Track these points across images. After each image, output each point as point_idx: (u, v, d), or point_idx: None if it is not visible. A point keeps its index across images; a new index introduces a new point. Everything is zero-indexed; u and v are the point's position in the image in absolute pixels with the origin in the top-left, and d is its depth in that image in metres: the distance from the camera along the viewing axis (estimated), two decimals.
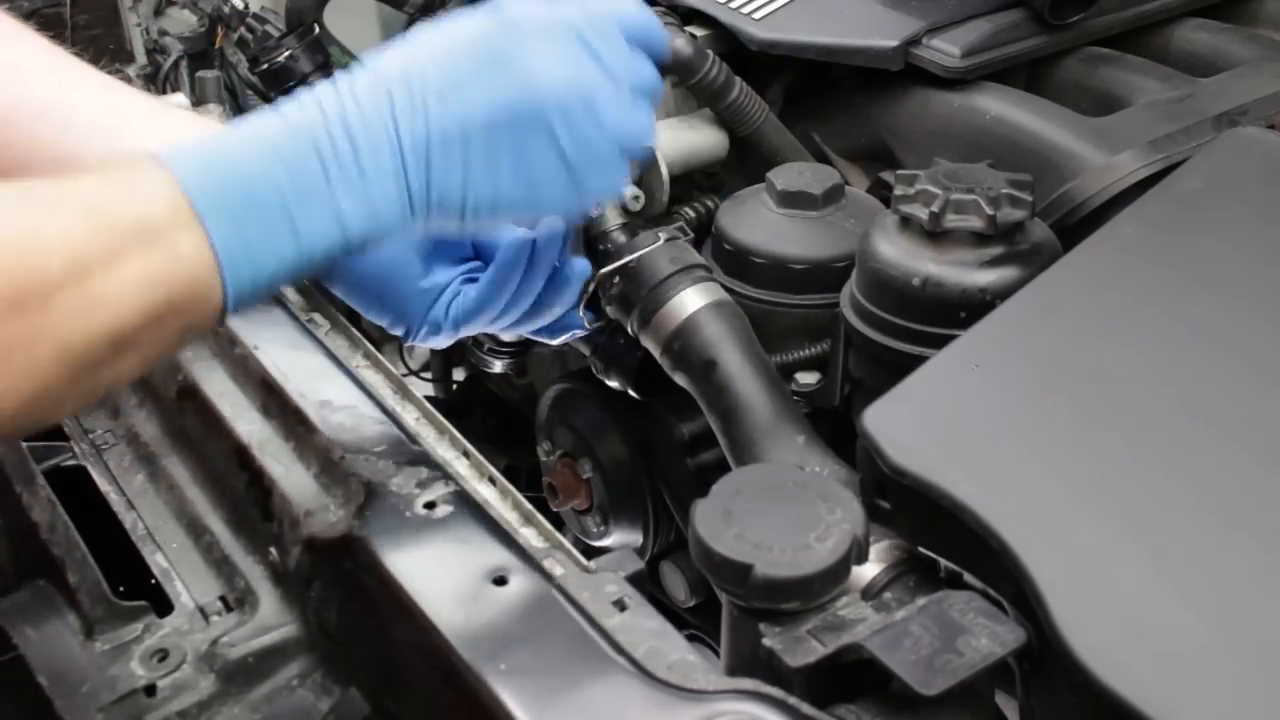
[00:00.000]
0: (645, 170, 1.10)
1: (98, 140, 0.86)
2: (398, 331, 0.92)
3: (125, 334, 0.66)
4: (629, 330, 1.03)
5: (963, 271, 0.85)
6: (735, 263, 1.02)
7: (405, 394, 0.87)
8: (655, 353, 1.00)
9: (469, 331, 0.93)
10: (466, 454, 0.82)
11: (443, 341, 0.94)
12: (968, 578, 0.70)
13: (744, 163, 1.14)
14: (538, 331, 0.99)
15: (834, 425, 0.94)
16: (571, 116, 0.75)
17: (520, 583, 0.70)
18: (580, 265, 0.96)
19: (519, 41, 0.75)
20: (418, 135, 0.72)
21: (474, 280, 0.93)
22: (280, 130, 0.72)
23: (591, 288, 0.98)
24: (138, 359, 0.69)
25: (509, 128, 0.74)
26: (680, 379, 0.99)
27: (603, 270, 1.02)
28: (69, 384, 0.65)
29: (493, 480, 0.79)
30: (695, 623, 1.22)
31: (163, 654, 0.77)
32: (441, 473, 0.77)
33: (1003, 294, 0.83)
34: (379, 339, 0.93)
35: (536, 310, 0.95)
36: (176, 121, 0.89)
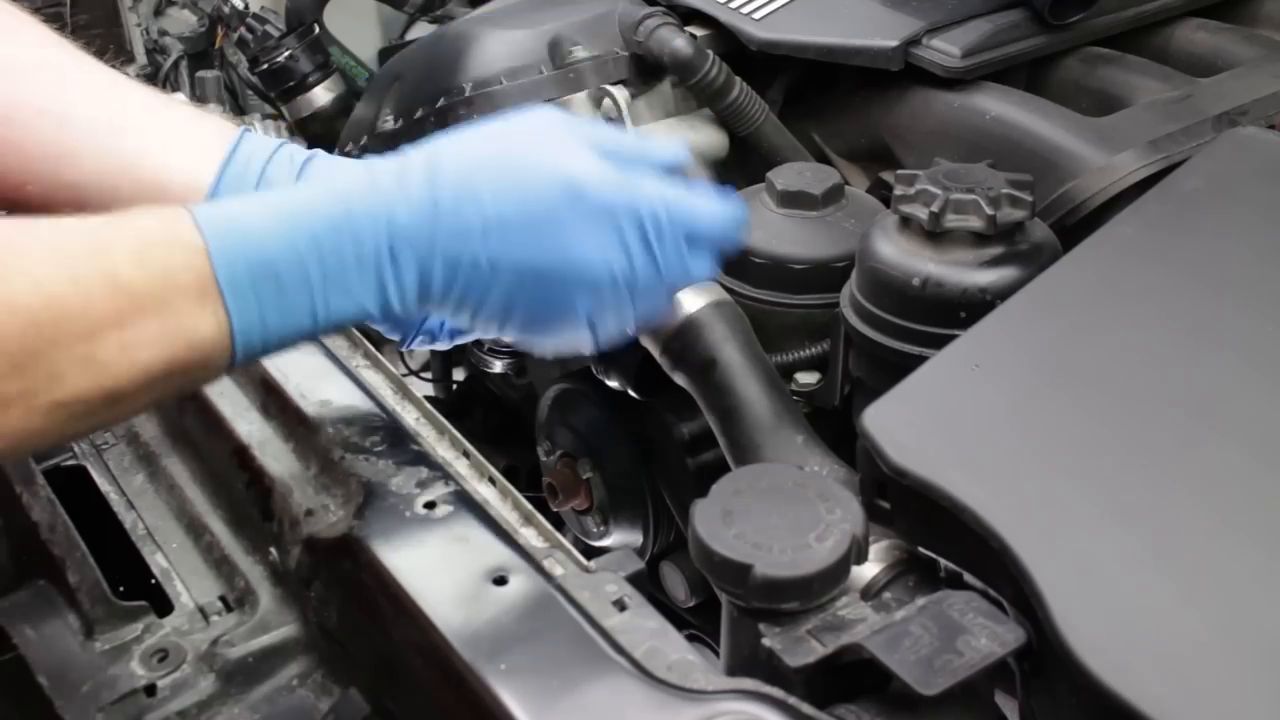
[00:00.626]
0: None
1: (98, 138, 0.86)
2: (394, 337, 0.92)
3: (123, 392, 0.67)
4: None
5: (963, 271, 0.85)
6: (735, 263, 1.02)
7: (405, 394, 0.87)
8: (655, 353, 1.00)
9: (465, 340, 0.93)
10: (466, 454, 0.82)
11: (440, 347, 0.94)
12: (968, 578, 0.70)
13: (744, 163, 1.14)
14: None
15: (834, 425, 0.94)
16: (600, 297, 0.77)
17: (520, 583, 0.70)
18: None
19: (578, 215, 0.75)
20: (450, 255, 0.73)
21: None
22: (320, 215, 0.72)
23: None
24: (132, 410, 0.72)
25: (536, 285, 0.75)
26: (680, 379, 0.99)
27: None
28: (59, 430, 0.67)
29: (493, 480, 0.79)
30: (695, 623, 1.22)
31: (163, 654, 0.77)
32: (441, 473, 0.77)
33: (1003, 294, 0.83)
34: (379, 339, 0.93)
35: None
36: (178, 119, 0.89)
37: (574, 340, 0.80)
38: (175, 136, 0.88)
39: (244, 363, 0.72)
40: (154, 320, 0.67)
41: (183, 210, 0.70)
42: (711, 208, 0.79)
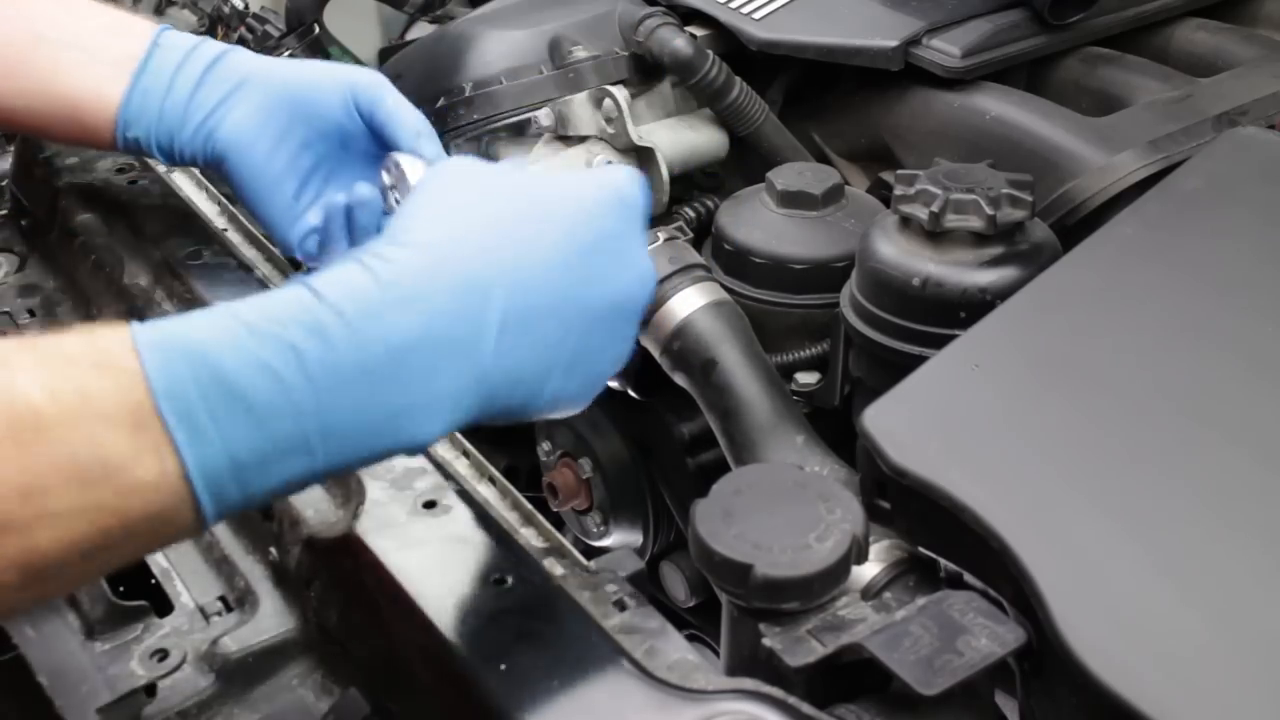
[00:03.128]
0: (645, 170, 1.10)
1: (8, 60, 0.88)
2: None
3: (52, 564, 0.53)
4: None
5: (963, 271, 0.85)
6: (735, 262, 1.02)
7: None
8: (655, 353, 1.00)
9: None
10: (466, 454, 0.82)
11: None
12: (968, 578, 0.70)
13: (744, 163, 1.14)
14: None
15: (834, 425, 0.94)
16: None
17: (520, 583, 0.70)
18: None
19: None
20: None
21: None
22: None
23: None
24: (75, 579, 0.59)
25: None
26: (680, 379, 0.99)
27: None
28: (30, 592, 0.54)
29: (493, 480, 0.79)
30: (695, 623, 1.22)
31: (163, 654, 0.77)
32: (441, 473, 0.77)
33: (1003, 294, 0.83)
34: None
35: None
36: (92, 30, 0.90)
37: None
38: (87, 51, 0.89)
39: (223, 515, 0.56)
40: (74, 477, 0.52)
41: (121, 327, 0.55)
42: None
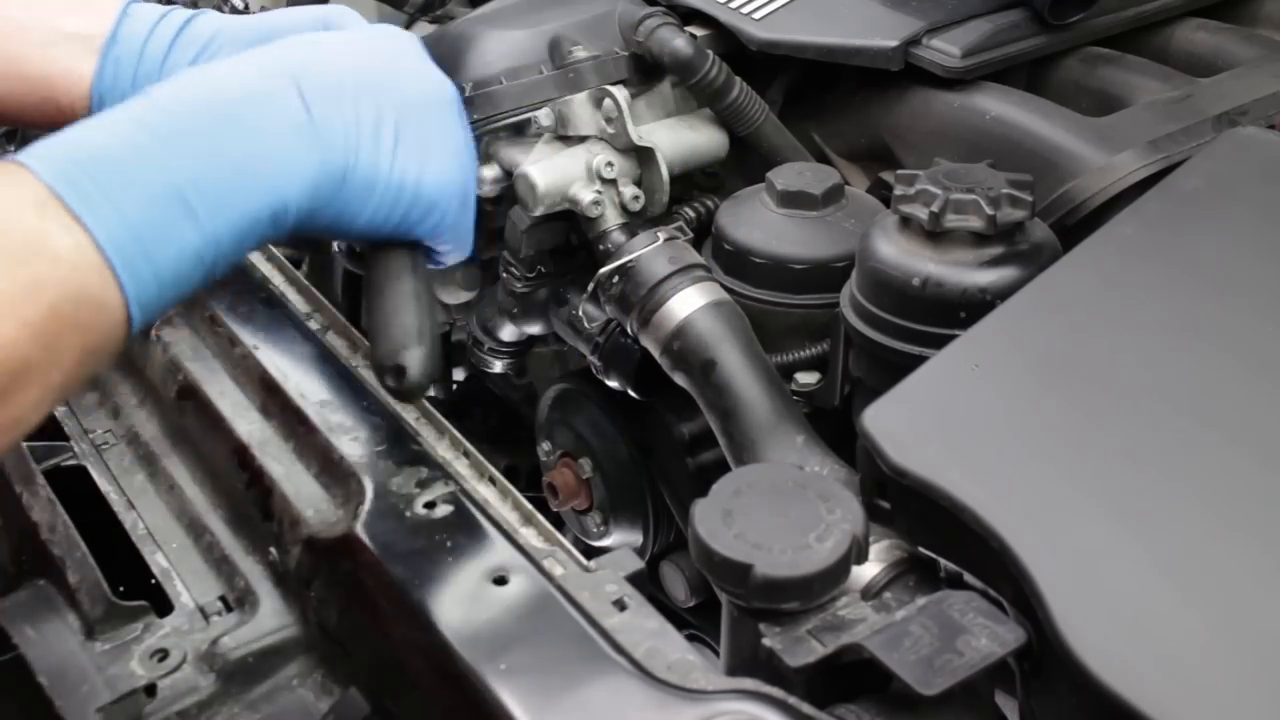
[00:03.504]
0: (646, 170, 1.10)
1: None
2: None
3: (16, 362, 0.59)
4: (628, 330, 1.03)
5: (963, 271, 0.85)
6: (735, 262, 1.02)
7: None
8: (655, 353, 1.00)
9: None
10: (466, 454, 0.82)
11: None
12: (968, 578, 0.70)
13: (744, 163, 1.14)
14: None
15: (834, 425, 0.94)
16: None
17: (520, 583, 0.70)
18: None
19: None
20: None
21: None
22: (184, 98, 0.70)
23: (591, 287, 0.98)
24: (37, 391, 0.61)
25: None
26: (680, 379, 0.99)
27: (602, 270, 1.02)
28: None
29: (493, 480, 0.79)
30: (695, 623, 1.22)
31: (163, 654, 0.77)
32: (441, 473, 0.77)
33: (1003, 294, 0.83)
34: None
35: None
36: (57, 8, 0.89)
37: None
38: (54, 30, 0.88)
39: (146, 306, 0.64)
40: (4, 264, 0.58)
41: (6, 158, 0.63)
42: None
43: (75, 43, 0.89)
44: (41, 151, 0.63)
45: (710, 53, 1.08)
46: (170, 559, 0.84)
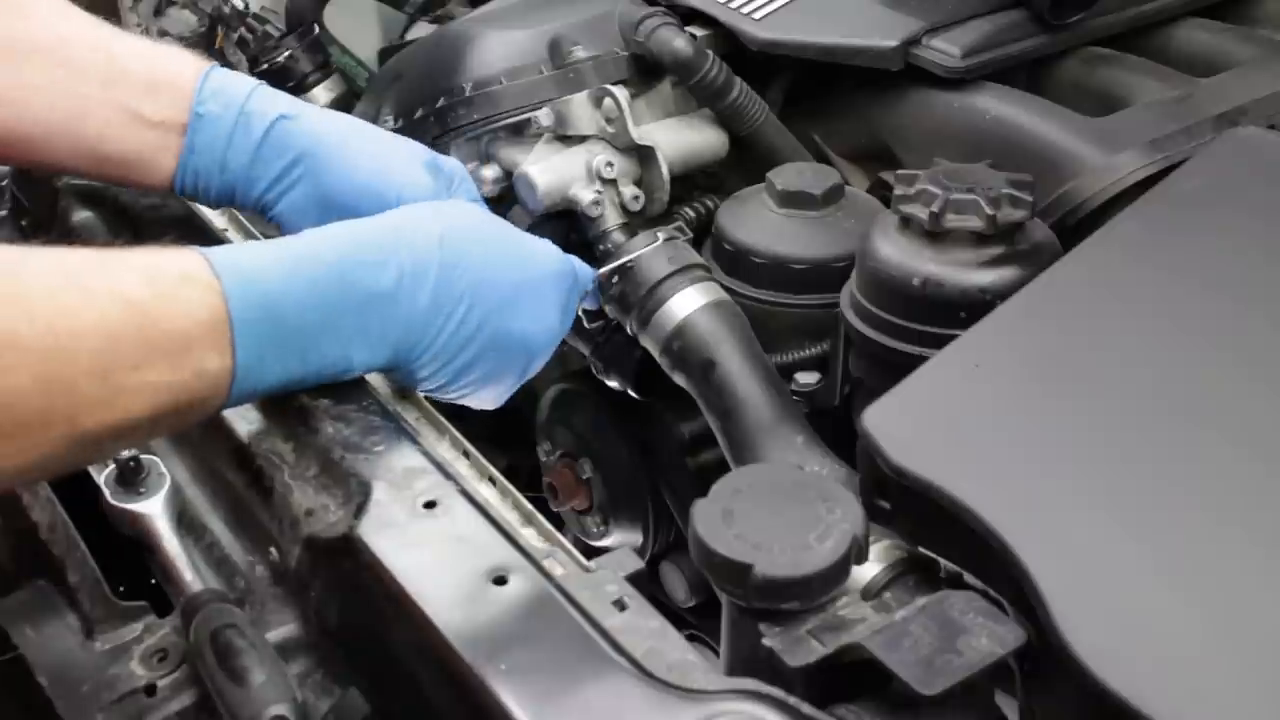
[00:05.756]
0: (645, 170, 1.10)
1: (58, 122, 0.89)
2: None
3: (132, 428, 0.69)
4: (628, 330, 1.03)
5: (963, 271, 0.85)
6: (735, 262, 1.02)
7: (405, 394, 0.87)
8: (654, 353, 1.00)
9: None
10: (466, 454, 0.82)
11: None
12: (968, 578, 0.70)
13: (744, 163, 1.14)
14: None
15: (834, 425, 0.94)
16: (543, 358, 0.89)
17: (520, 583, 0.70)
18: None
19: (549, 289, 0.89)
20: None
21: None
22: (323, 262, 0.77)
23: (591, 287, 0.98)
24: (131, 445, 0.78)
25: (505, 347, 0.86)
26: (679, 379, 0.99)
27: (601, 270, 1.02)
28: (68, 459, 0.69)
29: (493, 480, 0.79)
30: (695, 623, 1.22)
31: (163, 654, 0.77)
32: (441, 473, 0.77)
33: (1003, 294, 0.83)
34: None
35: None
36: (136, 91, 0.91)
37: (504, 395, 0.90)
38: (129, 113, 0.90)
39: (234, 404, 0.75)
40: (165, 358, 0.69)
41: (189, 249, 0.73)
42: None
43: (156, 131, 0.91)
44: (233, 271, 0.73)
45: (710, 53, 1.08)
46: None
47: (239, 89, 0.92)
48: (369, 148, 0.95)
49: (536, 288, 0.86)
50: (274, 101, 0.93)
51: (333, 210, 0.91)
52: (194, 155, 0.91)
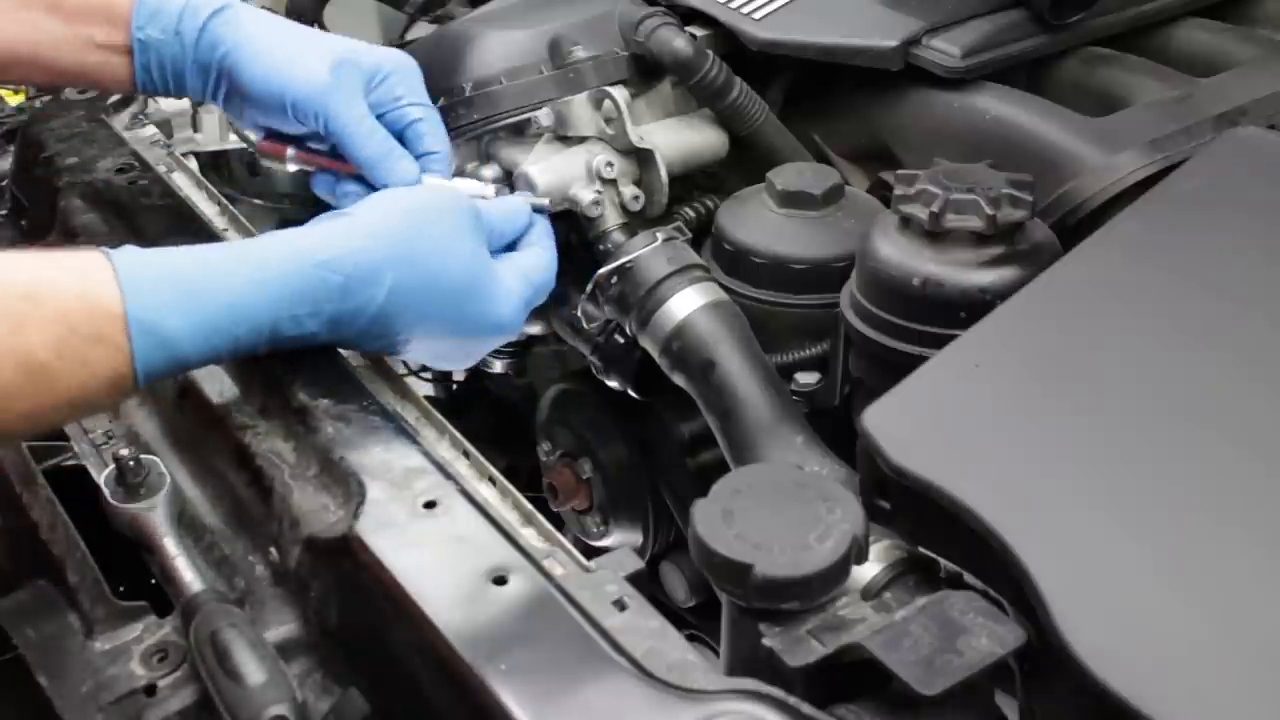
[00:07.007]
0: (645, 170, 1.10)
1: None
2: None
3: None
4: (628, 331, 1.03)
5: (963, 271, 0.85)
6: (735, 263, 1.02)
7: (405, 394, 0.87)
8: (654, 353, 1.00)
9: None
10: (466, 454, 0.82)
11: None
12: (968, 578, 0.70)
13: (744, 163, 1.14)
14: None
15: (834, 425, 0.94)
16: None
17: (520, 583, 0.70)
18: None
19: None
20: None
21: None
22: (254, 328, 0.81)
23: (590, 288, 0.98)
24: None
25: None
26: (679, 379, 0.99)
27: (601, 271, 1.02)
28: None
29: (493, 480, 0.79)
30: (695, 623, 1.22)
31: (163, 654, 0.77)
32: (441, 473, 0.77)
33: (1003, 294, 0.83)
34: None
35: None
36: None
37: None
38: (87, 42, 0.99)
39: (150, 369, 0.78)
40: (66, 402, 0.76)
41: (114, 295, 0.76)
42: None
43: (104, 52, 1.00)
44: (147, 332, 0.77)
45: (710, 53, 1.08)
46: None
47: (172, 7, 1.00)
48: (288, 44, 1.00)
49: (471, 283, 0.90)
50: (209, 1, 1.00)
51: (254, 107, 0.99)
52: (147, 74, 1.00)
